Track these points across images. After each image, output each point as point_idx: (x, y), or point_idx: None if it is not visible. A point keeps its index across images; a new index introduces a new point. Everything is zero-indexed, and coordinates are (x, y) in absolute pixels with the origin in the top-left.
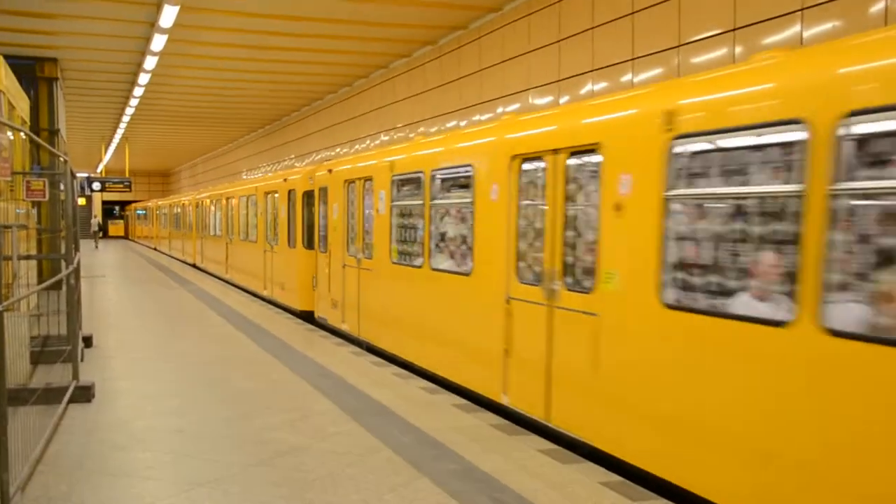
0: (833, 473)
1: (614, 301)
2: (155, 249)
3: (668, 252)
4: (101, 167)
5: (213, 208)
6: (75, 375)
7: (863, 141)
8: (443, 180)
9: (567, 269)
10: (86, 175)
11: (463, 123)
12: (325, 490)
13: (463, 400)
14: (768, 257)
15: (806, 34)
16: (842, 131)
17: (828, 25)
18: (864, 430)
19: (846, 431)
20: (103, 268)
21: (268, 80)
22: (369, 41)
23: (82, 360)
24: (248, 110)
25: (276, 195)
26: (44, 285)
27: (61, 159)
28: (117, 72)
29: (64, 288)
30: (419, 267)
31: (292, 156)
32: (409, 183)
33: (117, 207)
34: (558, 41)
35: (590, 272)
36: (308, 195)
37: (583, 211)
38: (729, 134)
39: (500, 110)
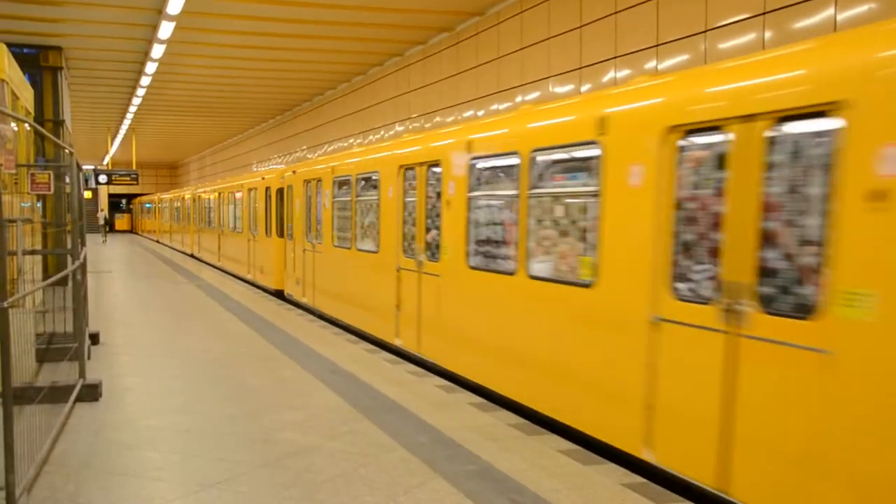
0: (531, 355)
1: (448, 266)
2: (157, 242)
3: (470, 233)
4: (107, 159)
5: (207, 203)
6: (82, 373)
7: (540, 164)
8: (364, 182)
9: (427, 245)
10: (92, 167)
11: (480, 113)
12: (337, 491)
13: (479, 398)
14: (509, 236)
15: (840, 17)
16: (532, 157)
17: (863, 8)
18: (551, 325)
19: (541, 328)
20: (109, 262)
21: (278, 69)
22: (383, 28)
23: (89, 357)
24: (258, 100)
25: (256, 192)
26: (49, 281)
27: (66, 151)
28: (123, 60)
29: (70, 284)
30: (349, 249)
31: (304, 147)
32: (344, 184)
33: (124, 201)
34: (580, 27)
35: (437, 248)
36: (280, 192)
37: (433, 205)
38: (492, 157)
39: (518, 99)
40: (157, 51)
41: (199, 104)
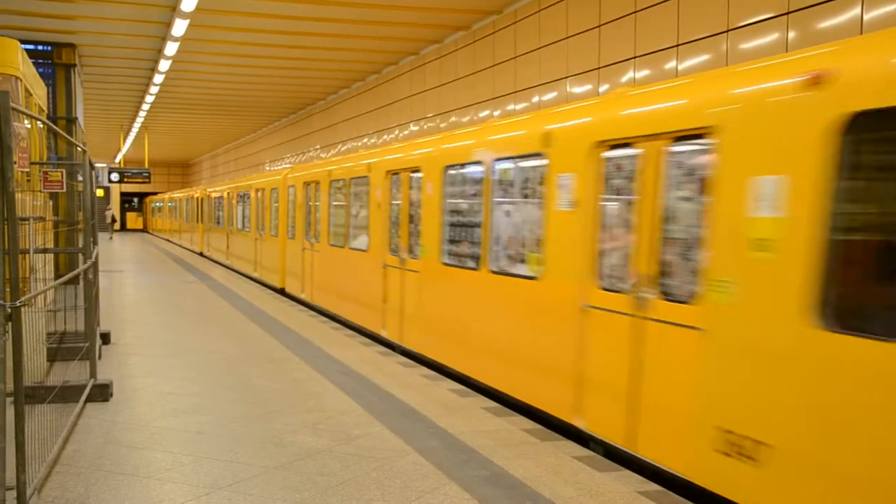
0: (493, 335)
1: (427, 264)
2: (168, 241)
3: (444, 233)
4: (119, 157)
5: (216, 202)
6: (93, 373)
7: (498, 172)
8: (356, 185)
9: (410, 245)
10: (104, 165)
11: (496, 113)
12: (349, 496)
13: (493, 402)
14: (472, 236)
15: (867, 17)
16: (493, 166)
17: (890, 8)
18: (505, 307)
19: (499, 311)
20: (121, 262)
21: (292, 67)
22: (399, 26)
23: (100, 357)
24: (272, 99)
25: (263, 192)
26: (62, 280)
27: (79, 149)
28: (137, 58)
29: (82, 283)
30: (342, 248)
31: (317, 146)
32: (341, 187)
33: (136, 199)
34: (598, 26)
35: (417, 247)
36: (278, 191)
37: (416, 208)
38: (462, 166)
39: (535, 99)
40: (171, 48)
41: (212, 102)
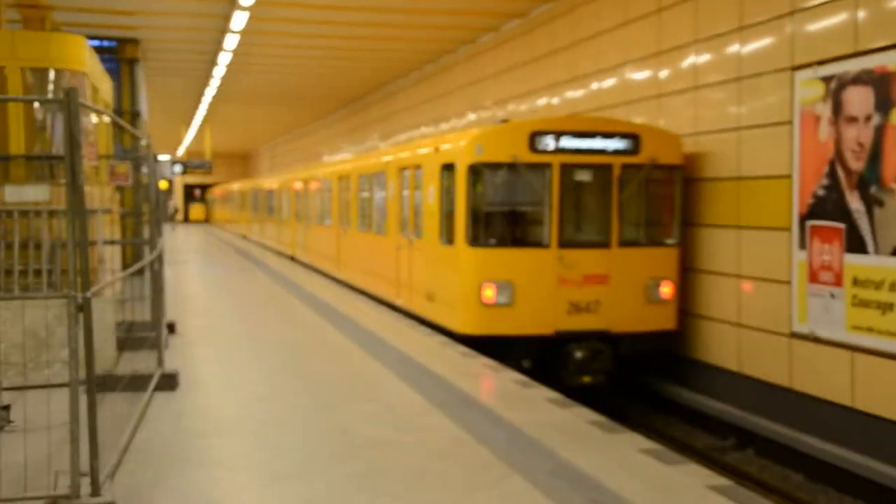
0: (373, 270)
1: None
2: (244, 238)
3: (359, 209)
4: (181, 149)
5: (321, 190)
6: (160, 363)
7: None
8: (377, 178)
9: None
10: (167, 157)
11: (555, 101)
12: (412, 486)
13: (556, 394)
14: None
15: None
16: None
17: None
18: (374, 251)
19: (371, 253)
20: (185, 253)
21: (350, 57)
22: (455, 14)
23: (166, 346)
24: (330, 89)
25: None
26: (129, 271)
27: (144, 142)
28: (198, 52)
29: (147, 274)
30: (370, 232)
31: (375, 136)
32: (365, 180)
33: (199, 190)
34: (658, 10)
35: (371, 222)
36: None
37: (382, 198)
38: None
39: (594, 86)
40: (231, 41)
41: (272, 93)
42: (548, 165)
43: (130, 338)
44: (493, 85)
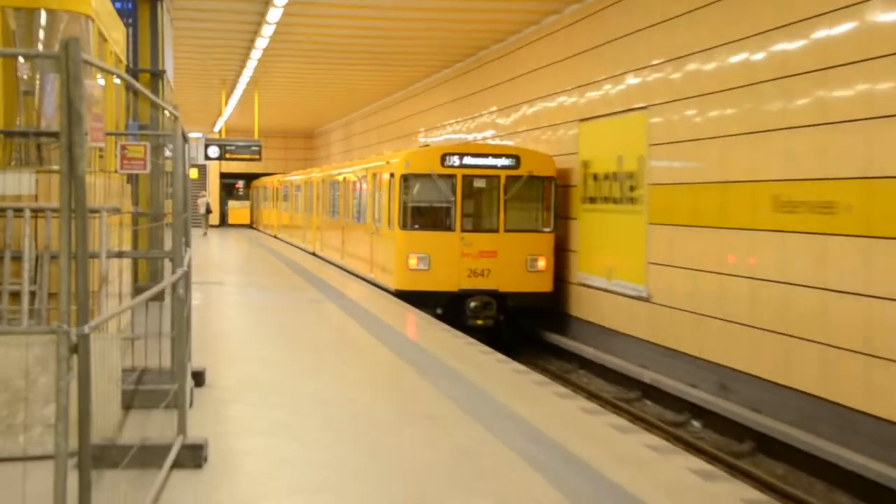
0: (360, 255)
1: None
2: (301, 248)
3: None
4: (219, 125)
5: (322, 188)
6: (182, 429)
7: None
8: (359, 181)
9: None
10: (199, 135)
11: (678, 75)
12: None
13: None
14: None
15: None
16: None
17: None
18: (358, 237)
19: (357, 245)
20: (220, 270)
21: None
22: None
23: (191, 405)
24: (425, 44)
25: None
26: (144, 297)
27: (168, 113)
28: None
29: (168, 300)
30: (355, 221)
31: (492, 109)
32: (351, 182)
33: (241, 183)
34: None
35: (362, 216)
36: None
37: (365, 194)
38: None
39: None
40: None
41: (344, 50)
42: (454, 176)
43: (141, 391)
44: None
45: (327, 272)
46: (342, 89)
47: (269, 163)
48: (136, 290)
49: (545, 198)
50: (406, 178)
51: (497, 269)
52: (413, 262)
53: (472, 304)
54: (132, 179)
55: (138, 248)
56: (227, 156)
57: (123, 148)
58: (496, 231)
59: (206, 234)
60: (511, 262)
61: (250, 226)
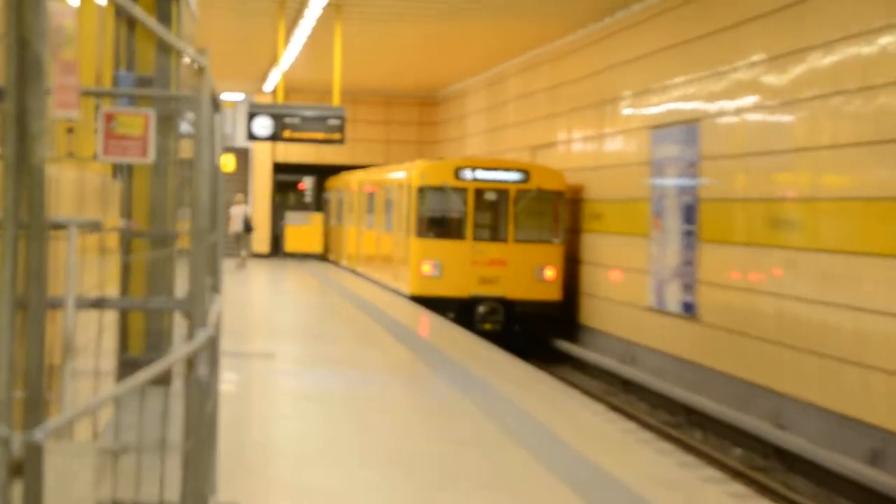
0: (360, 253)
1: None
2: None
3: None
4: (271, 83)
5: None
6: None
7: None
8: (346, 190)
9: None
10: (241, 98)
11: None
12: None
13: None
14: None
15: None
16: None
17: None
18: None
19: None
20: (269, 331)
21: None
22: None
23: None
24: None
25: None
26: (135, 381)
27: (189, 60)
28: None
29: (178, 385)
30: (343, 224)
31: (756, 56)
32: (350, 190)
33: (308, 181)
34: None
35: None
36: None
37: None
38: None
39: None
40: None
41: None
42: (466, 188)
43: None
44: None
45: (448, 339)
46: (485, 21)
47: (358, 147)
48: (125, 366)
49: (554, 211)
50: (422, 190)
51: (505, 277)
52: (426, 268)
53: (482, 310)
54: (122, 173)
55: (129, 293)
56: (287, 134)
57: (110, 118)
58: (505, 241)
59: (243, 265)
60: (518, 271)
61: (323, 257)
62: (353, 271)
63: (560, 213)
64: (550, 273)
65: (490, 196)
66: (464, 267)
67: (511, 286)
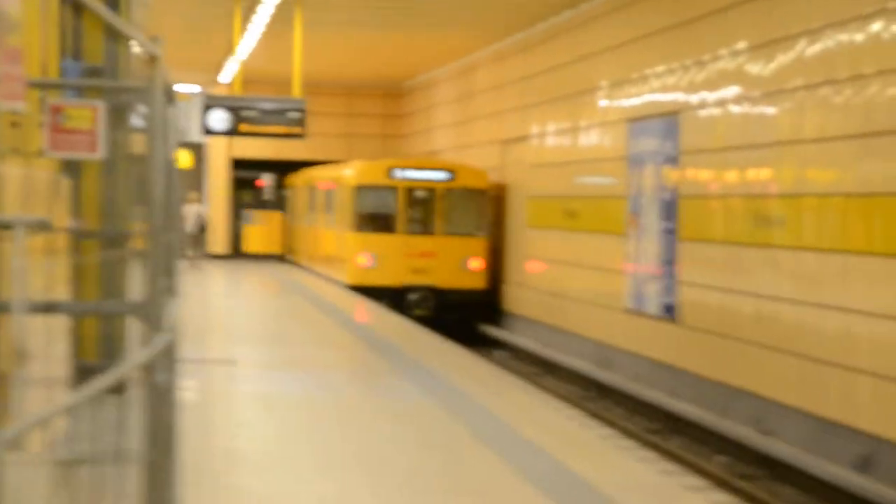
0: (326, 257)
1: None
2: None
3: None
4: (228, 73)
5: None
6: None
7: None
8: (307, 189)
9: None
10: (196, 90)
11: None
12: None
13: None
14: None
15: None
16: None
17: None
18: (329, 247)
19: (325, 248)
20: (230, 335)
21: None
22: None
23: None
24: None
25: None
26: (90, 390)
27: (140, 49)
28: None
29: (135, 392)
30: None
31: (738, 44)
32: (309, 190)
33: (269, 178)
34: None
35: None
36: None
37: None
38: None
39: None
40: None
41: None
42: (398, 187)
43: None
44: None
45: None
46: (454, 8)
47: (319, 142)
48: (79, 373)
49: (478, 206)
50: (358, 188)
51: (434, 267)
52: (363, 260)
53: (413, 297)
54: (71, 170)
55: (82, 296)
56: (245, 128)
57: (57, 111)
58: (433, 234)
59: (197, 267)
60: (446, 262)
61: (283, 257)
62: (310, 270)
63: (483, 208)
64: (475, 263)
65: (420, 194)
66: (397, 259)
67: (439, 276)
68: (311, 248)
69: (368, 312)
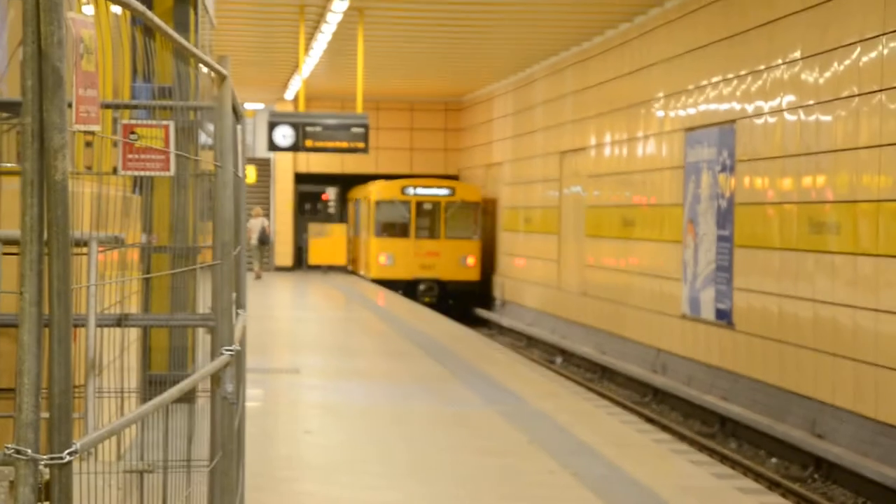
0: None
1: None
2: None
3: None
4: (292, 90)
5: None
6: None
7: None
8: (360, 201)
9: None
10: (259, 107)
11: None
12: None
13: None
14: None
15: None
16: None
17: None
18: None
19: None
20: (292, 345)
21: None
22: None
23: None
24: None
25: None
26: (159, 400)
27: (208, 70)
28: None
29: (202, 402)
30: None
31: (792, 55)
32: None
33: (331, 192)
34: None
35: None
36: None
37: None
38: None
39: None
40: None
41: None
42: (410, 201)
43: None
44: None
45: (465, 344)
46: (510, 24)
47: (382, 156)
48: (148, 384)
49: (474, 216)
50: (378, 202)
51: (439, 264)
52: (382, 259)
53: (422, 287)
54: (141, 187)
55: (153, 309)
56: (309, 144)
57: (129, 131)
58: (438, 238)
59: (259, 277)
60: (448, 260)
61: (348, 268)
62: (360, 276)
63: (477, 217)
64: (471, 261)
65: (427, 206)
66: (409, 257)
67: (443, 270)
68: (357, 255)
69: (426, 322)
